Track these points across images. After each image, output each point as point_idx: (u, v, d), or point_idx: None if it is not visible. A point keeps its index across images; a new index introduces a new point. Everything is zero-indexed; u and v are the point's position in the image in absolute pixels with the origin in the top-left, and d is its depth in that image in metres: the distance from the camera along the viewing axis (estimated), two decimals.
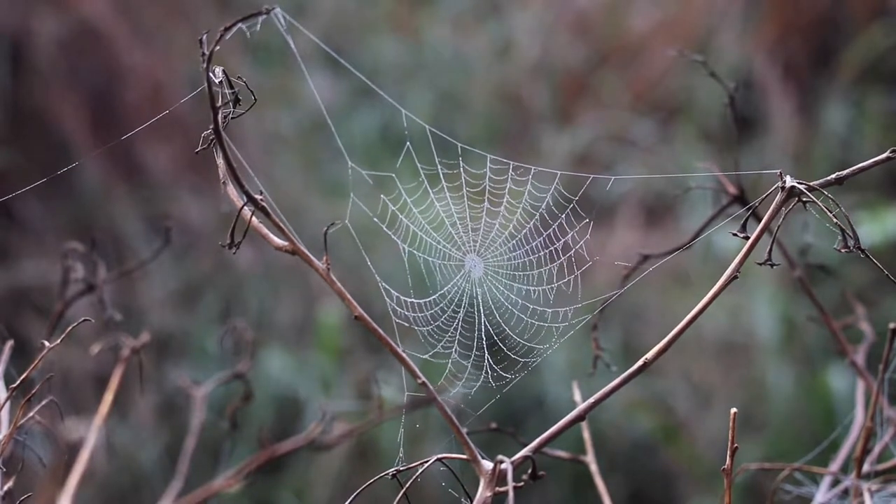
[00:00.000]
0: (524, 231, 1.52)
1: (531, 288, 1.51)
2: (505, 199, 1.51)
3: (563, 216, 1.50)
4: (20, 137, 4.80)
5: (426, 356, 1.47)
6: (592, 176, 1.50)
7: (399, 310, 1.49)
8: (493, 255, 1.53)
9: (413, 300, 1.50)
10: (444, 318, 1.51)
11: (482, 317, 1.49)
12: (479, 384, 1.48)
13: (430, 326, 1.50)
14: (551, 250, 1.51)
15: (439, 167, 1.50)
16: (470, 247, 1.53)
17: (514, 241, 1.52)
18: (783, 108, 5.18)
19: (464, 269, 1.52)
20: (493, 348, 1.49)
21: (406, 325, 1.48)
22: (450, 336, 1.50)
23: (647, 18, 5.81)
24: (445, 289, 1.51)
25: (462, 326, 1.50)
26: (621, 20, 5.81)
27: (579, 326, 1.48)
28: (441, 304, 1.51)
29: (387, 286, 1.47)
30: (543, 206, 1.50)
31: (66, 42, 4.98)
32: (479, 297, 1.50)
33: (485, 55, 5.51)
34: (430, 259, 1.52)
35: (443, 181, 1.50)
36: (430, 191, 1.51)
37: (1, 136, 4.74)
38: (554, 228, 1.51)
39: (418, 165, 1.50)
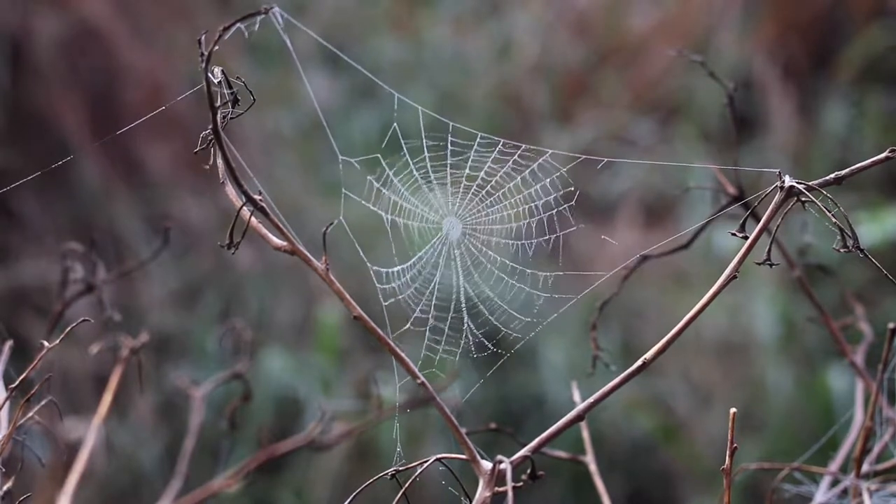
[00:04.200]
0: (503, 190, 1.52)
1: (509, 242, 1.50)
2: (486, 165, 1.51)
3: (548, 180, 1.50)
4: (20, 137, 4.80)
5: (407, 326, 1.47)
6: (584, 157, 1.50)
7: (386, 287, 1.48)
8: (471, 214, 1.52)
9: (392, 269, 1.50)
10: (421, 281, 1.50)
11: (460, 277, 1.48)
12: (458, 350, 1.47)
13: (409, 290, 1.50)
14: (531, 206, 1.50)
15: (424, 141, 1.50)
16: (448, 209, 1.52)
17: (492, 199, 1.52)
18: (782, 107, 5.18)
19: (441, 232, 1.52)
20: (473, 311, 1.48)
21: (393, 299, 1.47)
22: (426, 299, 1.50)
23: (647, 18, 5.81)
24: (423, 251, 1.51)
25: (438, 288, 1.49)
26: (621, 20, 5.81)
27: (568, 306, 1.47)
28: (417, 266, 1.51)
29: (377, 268, 1.47)
30: (526, 172, 1.50)
31: (66, 42, 4.98)
32: (458, 259, 1.50)
33: (485, 55, 5.51)
34: (410, 223, 1.52)
35: (425, 151, 1.50)
36: (411, 161, 1.51)
37: (1, 135, 4.74)
38: (536, 188, 1.50)
39: (402, 141, 1.50)
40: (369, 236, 1.61)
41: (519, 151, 1.50)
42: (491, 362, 1.50)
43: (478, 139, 1.50)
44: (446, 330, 1.47)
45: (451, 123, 1.50)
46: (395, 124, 1.56)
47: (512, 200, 1.51)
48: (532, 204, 1.50)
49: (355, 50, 5.36)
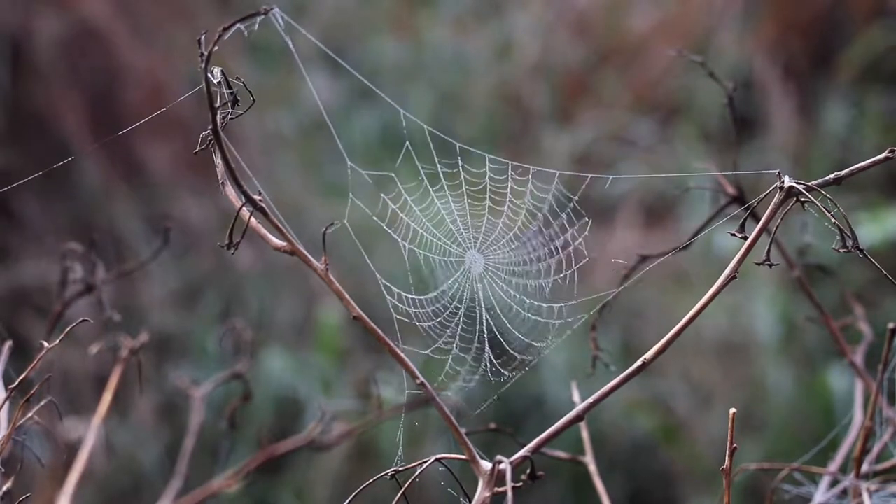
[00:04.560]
0: (519, 226, 1.52)
1: (528, 282, 1.51)
2: (508, 199, 1.51)
3: (564, 215, 1.50)
4: (20, 137, 4.80)
5: (427, 352, 1.47)
6: (591, 175, 1.51)
7: (400, 306, 1.49)
8: (493, 252, 1.53)
9: (414, 297, 1.50)
10: (447, 315, 1.51)
11: (483, 311, 1.49)
12: (476, 377, 1.48)
13: (432, 322, 1.50)
14: (551, 247, 1.51)
15: (439, 166, 1.50)
16: (470, 244, 1.53)
17: (511, 235, 1.52)
18: (783, 108, 5.18)
19: (464, 266, 1.52)
20: (493, 342, 1.49)
21: (408, 321, 1.48)
22: (451, 332, 1.50)
23: (647, 18, 5.81)
24: (446, 285, 1.51)
25: (463, 322, 1.50)
26: (621, 20, 5.81)
27: (578, 325, 1.48)
28: (443, 301, 1.51)
29: (387, 283, 1.47)
30: (546, 207, 1.51)
31: (66, 42, 4.98)
32: (480, 293, 1.50)
33: (485, 55, 5.51)
34: (431, 256, 1.53)
35: (443, 180, 1.50)
36: (431, 189, 1.51)
37: (1, 136, 4.74)
38: (554, 227, 1.51)
39: (418, 165, 1.50)
40: (371, 237, 1.62)
41: (530, 179, 1.50)
42: (509, 383, 1.50)
43: (487, 162, 1.50)
44: (469, 360, 1.48)
45: (458, 145, 1.50)
46: (407, 143, 1.56)
47: (535, 242, 1.52)
48: (552, 244, 1.51)
49: (356, 50, 5.37)
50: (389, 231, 1.53)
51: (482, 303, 1.50)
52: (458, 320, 1.49)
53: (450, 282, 1.51)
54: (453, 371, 1.48)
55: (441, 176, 1.50)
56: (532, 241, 1.52)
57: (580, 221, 1.49)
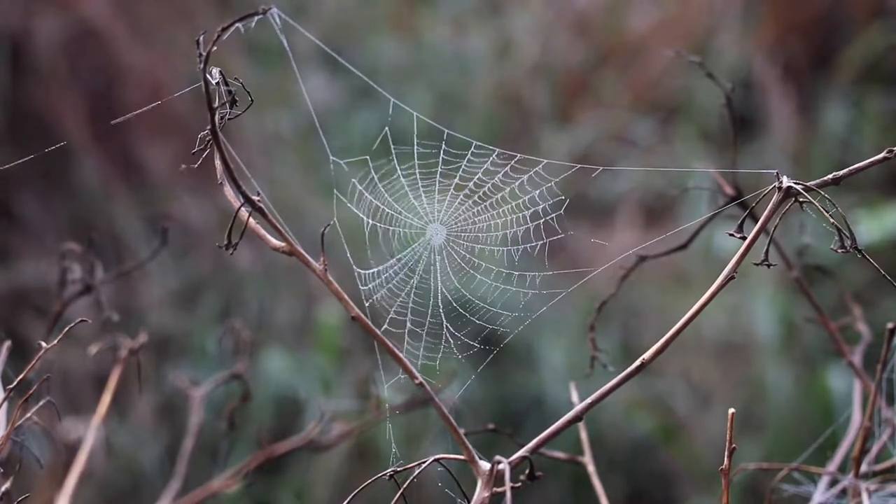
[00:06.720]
0: (492, 199, 1.52)
1: (496, 248, 1.50)
2: (476, 177, 1.51)
3: (538, 192, 1.49)
4: (20, 137, 4.80)
5: (384, 326, 1.46)
6: (579, 166, 1.50)
7: (364, 288, 1.48)
8: (457, 221, 1.52)
9: (369, 271, 1.49)
10: (396, 283, 1.50)
11: (438, 282, 1.48)
12: (438, 355, 1.47)
13: (383, 290, 1.49)
14: (520, 216, 1.50)
15: (417, 148, 1.50)
16: (434, 217, 1.52)
17: (480, 208, 1.52)
18: (782, 108, 5.18)
19: (425, 237, 1.51)
20: (454, 314, 1.47)
21: (369, 300, 1.47)
22: (402, 301, 1.49)
23: (646, 18, 5.81)
24: (403, 254, 1.50)
25: (416, 293, 1.49)
26: (621, 20, 5.81)
27: (556, 300, 1.47)
28: (395, 268, 1.50)
29: (360, 271, 1.47)
30: (516, 185, 1.50)
31: (66, 42, 4.98)
32: (438, 264, 1.49)
33: (485, 55, 5.51)
34: (391, 228, 1.52)
35: (415, 158, 1.50)
36: (399, 168, 1.51)
37: (0, 135, 4.74)
38: (524, 200, 1.50)
39: (392, 147, 1.50)
40: (365, 236, 1.62)
41: (511, 163, 1.50)
42: (487, 359, 1.50)
43: (472, 147, 1.50)
44: (424, 335, 1.47)
45: (446, 131, 1.50)
46: (386, 128, 1.56)
47: (500, 210, 1.51)
48: (520, 214, 1.50)
49: (355, 50, 5.36)
50: (357, 211, 1.52)
51: (438, 273, 1.48)
52: (410, 289, 1.49)
53: (408, 251, 1.50)
54: (413, 349, 1.47)
55: (415, 155, 1.50)
56: (499, 209, 1.51)
57: (555, 198, 1.48)
